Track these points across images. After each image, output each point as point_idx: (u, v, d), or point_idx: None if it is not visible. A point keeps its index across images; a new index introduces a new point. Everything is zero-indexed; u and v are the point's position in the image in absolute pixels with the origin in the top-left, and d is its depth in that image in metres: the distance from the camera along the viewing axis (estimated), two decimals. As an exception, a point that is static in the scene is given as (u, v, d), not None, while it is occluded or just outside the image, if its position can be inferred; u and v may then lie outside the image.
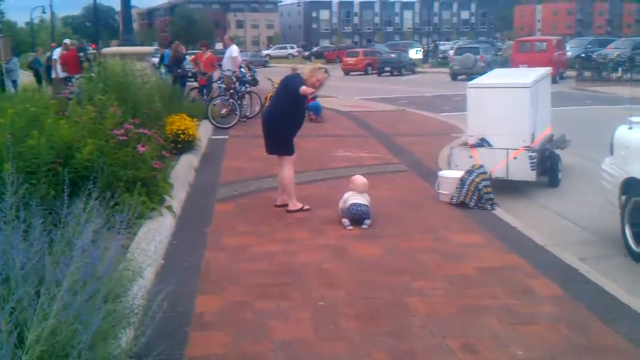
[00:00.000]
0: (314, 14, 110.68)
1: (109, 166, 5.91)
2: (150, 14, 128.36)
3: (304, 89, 6.72)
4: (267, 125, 7.15)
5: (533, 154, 8.01)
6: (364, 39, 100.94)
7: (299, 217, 6.83)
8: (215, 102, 14.44)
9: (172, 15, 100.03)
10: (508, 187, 8.26)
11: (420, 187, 8.31)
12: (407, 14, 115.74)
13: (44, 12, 64.92)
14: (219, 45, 54.50)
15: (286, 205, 7.11)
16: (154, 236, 5.62)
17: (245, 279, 5.01)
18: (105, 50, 11.43)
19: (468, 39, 74.80)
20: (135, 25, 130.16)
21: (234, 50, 16.29)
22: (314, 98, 16.74)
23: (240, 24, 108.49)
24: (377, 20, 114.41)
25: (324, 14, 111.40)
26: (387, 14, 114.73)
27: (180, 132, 9.42)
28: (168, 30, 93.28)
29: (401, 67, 39.59)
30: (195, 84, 17.70)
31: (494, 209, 7.17)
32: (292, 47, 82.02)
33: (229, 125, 13.68)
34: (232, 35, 18.49)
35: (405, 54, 44.29)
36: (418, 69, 42.30)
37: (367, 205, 6.58)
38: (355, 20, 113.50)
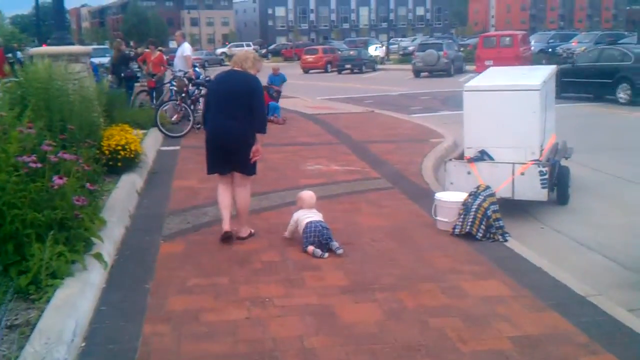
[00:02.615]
0: (269, 11, 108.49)
1: (10, 208, 4.38)
2: (102, 12, 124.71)
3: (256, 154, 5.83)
4: (235, 141, 5.72)
5: (544, 169, 6.73)
6: (320, 36, 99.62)
7: (267, 260, 5.37)
8: (165, 108, 12.83)
9: (124, 13, 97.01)
10: (509, 206, 6.95)
11: (410, 210, 6.94)
12: (363, 11, 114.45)
13: (-15, 11, 61.84)
14: (172, 44, 52.44)
15: (229, 232, 5.84)
16: (73, 305, 4.12)
17: (198, 373, 3.55)
18: (33, 50, 9.77)
19: (424, 35, 73.98)
20: (86, 24, 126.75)
21: (186, 48, 14.69)
22: (275, 98, 15.41)
23: (194, 22, 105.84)
24: (333, 17, 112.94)
25: (280, 11, 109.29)
26: (343, 11, 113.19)
27: (119, 147, 7.85)
28: (120, 29, 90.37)
29: (362, 65, 38.41)
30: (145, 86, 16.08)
31: (506, 240, 5.84)
32: (248, 45, 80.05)
33: (181, 134, 12.09)
34: (185, 32, 16.86)
35: (365, 50, 43.04)
36: (378, 66, 41.20)
37: (323, 222, 5.63)
38: (312, 17, 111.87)
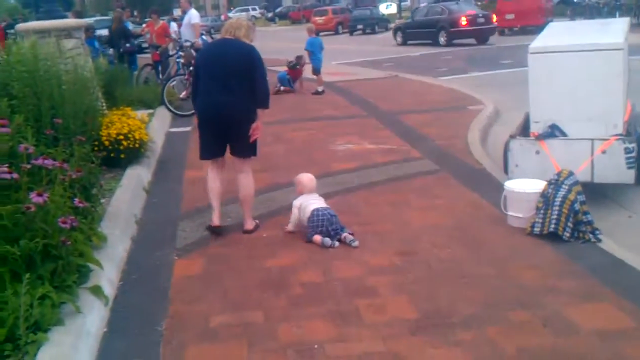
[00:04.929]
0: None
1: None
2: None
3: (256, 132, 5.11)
4: (233, 118, 5.02)
5: (630, 146, 5.56)
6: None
7: (308, 281, 4.28)
8: (172, 83, 11.71)
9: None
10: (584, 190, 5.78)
11: (468, 200, 5.81)
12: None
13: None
14: (177, 12, 50.68)
15: (219, 227, 5.24)
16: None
17: None
18: (18, 26, 8.61)
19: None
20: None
21: (193, 15, 13.47)
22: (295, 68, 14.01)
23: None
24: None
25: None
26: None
27: (121, 137, 6.75)
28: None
29: (374, 24, 36.87)
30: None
31: (599, 240, 4.73)
32: (254, 9, 78.11)
33: (191, 112, 10.85)
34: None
35: (376, 9, 41.41)
36: (391, 25, 39.54)
37: (331, 209, 5.01)
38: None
